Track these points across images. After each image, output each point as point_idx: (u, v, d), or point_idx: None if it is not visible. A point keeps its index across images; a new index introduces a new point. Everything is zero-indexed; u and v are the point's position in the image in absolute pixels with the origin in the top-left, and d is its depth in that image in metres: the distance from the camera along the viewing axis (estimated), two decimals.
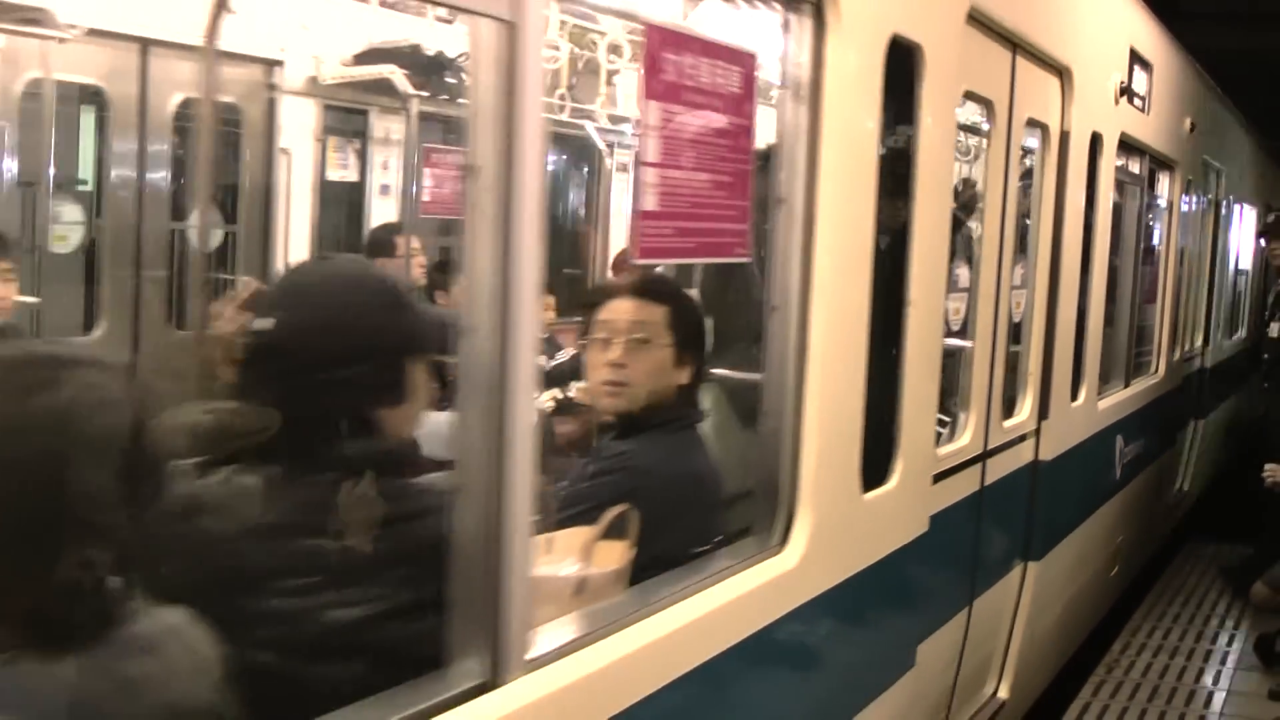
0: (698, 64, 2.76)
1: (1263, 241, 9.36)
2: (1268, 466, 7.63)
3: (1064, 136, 5.71)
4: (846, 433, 3.61)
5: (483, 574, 2.16)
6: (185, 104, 6.02)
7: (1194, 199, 9.73)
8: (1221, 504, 11.05)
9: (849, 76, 3.43)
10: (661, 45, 2.64)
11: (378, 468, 2.21)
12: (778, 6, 3.23)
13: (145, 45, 4.79)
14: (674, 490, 3.22)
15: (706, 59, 2.79)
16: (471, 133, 2.15)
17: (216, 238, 6.15)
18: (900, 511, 4.09)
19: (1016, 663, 5.62)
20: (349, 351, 2.28)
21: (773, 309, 3.31)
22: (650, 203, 2.69)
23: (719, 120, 2.89)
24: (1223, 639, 8.07)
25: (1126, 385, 7.90)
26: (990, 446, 5.07)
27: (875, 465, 3.85)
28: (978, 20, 4.46)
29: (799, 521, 3.32)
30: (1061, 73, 5.61)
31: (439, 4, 5.99)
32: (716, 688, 2.95)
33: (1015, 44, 4.98)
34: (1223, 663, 7.64)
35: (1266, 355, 9.10)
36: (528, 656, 2.25)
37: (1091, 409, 6.65)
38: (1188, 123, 8.72)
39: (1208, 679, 7.38)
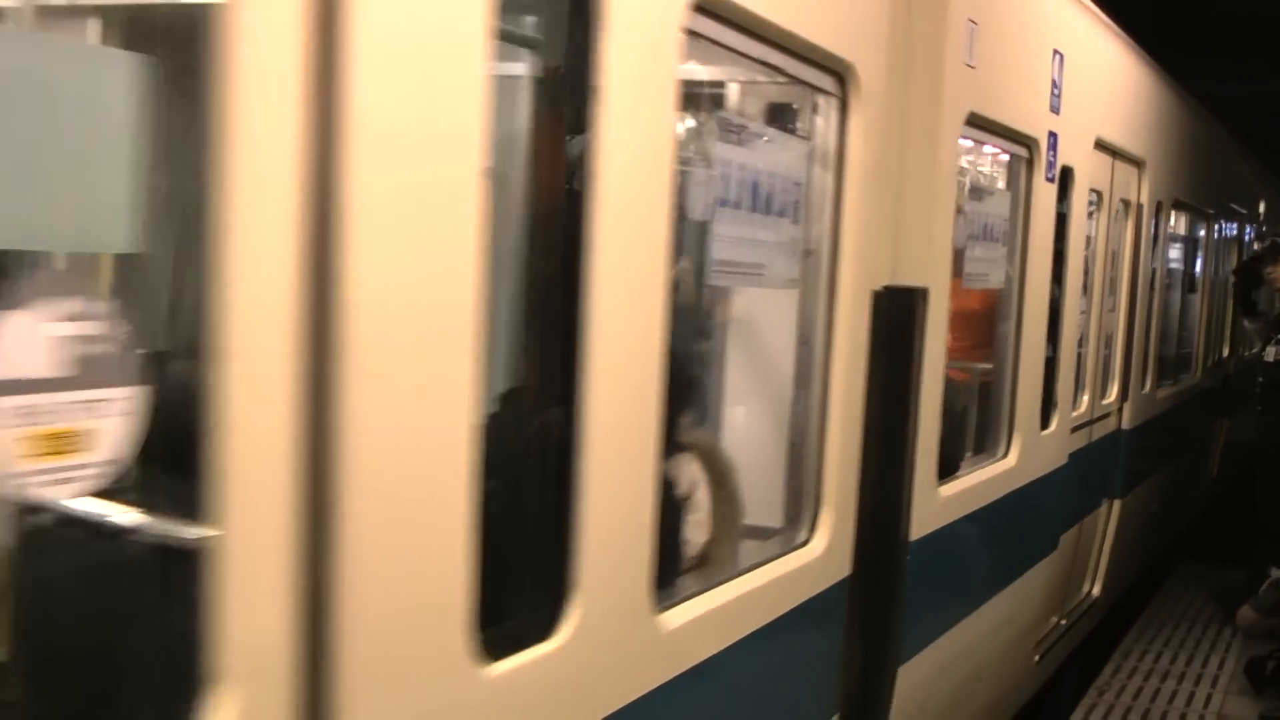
0: None
1: (1269, 270, 9.31)
2: None
3: None
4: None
5: None
6: None
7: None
8: (1214, 528, 11.13)
9: None
10: None
11: None
12: None
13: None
14: None
15: None
16: None
17: None
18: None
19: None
20: None
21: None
22: None
23: None
24: (1214, 662, 8.12)
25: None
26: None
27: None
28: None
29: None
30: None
31: None
32: None
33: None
34: (1214, 686, 7.68)
35: (1262, 379, 9.17)
36: None
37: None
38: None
39: (1199, 702, 7.40)
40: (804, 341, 3.81)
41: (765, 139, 3.45)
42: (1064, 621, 6.90)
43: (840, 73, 3.63)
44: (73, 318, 1.72)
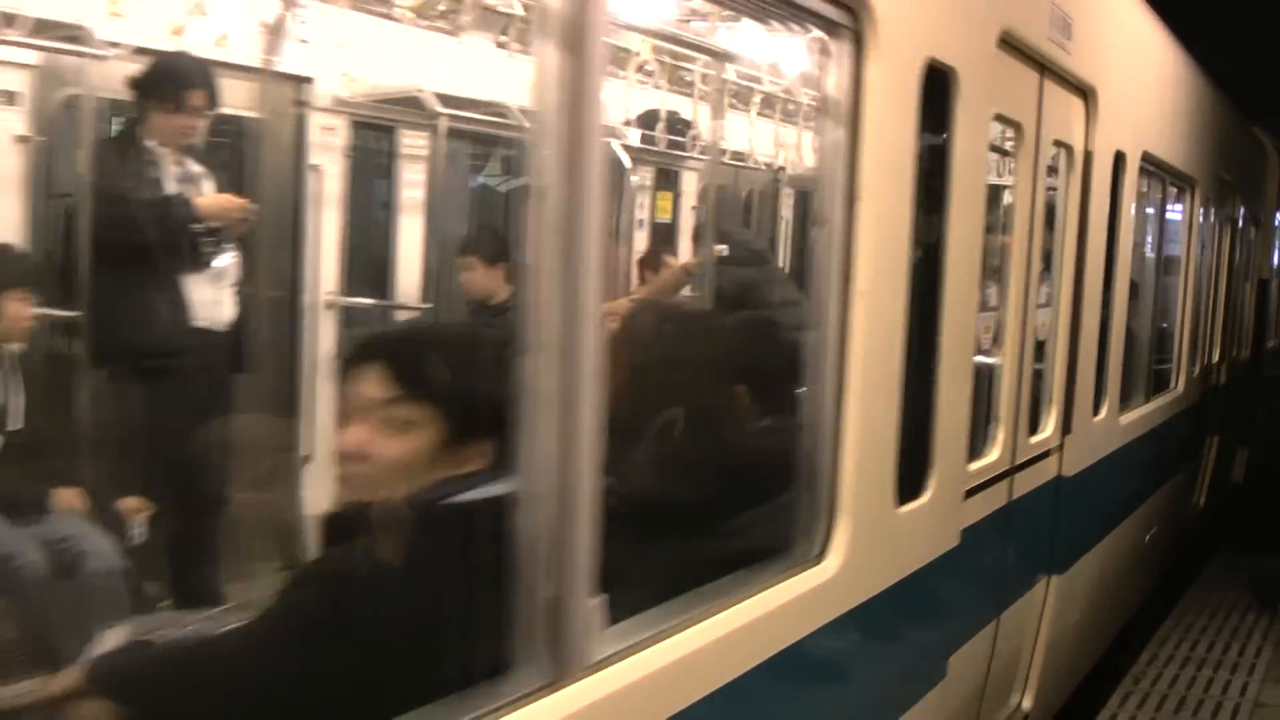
0: None
1: None
2: None
3: None
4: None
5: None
6: None
7: None
8: (1251, 516, 11.01)
9: None
10: None
11: None
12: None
13: None
14: None
15: None
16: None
17: None
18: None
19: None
20: None
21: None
22: None
23: None
24: (1251, 650, 8.07)
25: None
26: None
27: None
28: None
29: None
30: None
31: None
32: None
33: None
34: (1250, 674, 7.63)
35: None
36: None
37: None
38: None
39: (1235, 690, 7.36)
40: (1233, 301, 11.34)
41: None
42: None
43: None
44: None
